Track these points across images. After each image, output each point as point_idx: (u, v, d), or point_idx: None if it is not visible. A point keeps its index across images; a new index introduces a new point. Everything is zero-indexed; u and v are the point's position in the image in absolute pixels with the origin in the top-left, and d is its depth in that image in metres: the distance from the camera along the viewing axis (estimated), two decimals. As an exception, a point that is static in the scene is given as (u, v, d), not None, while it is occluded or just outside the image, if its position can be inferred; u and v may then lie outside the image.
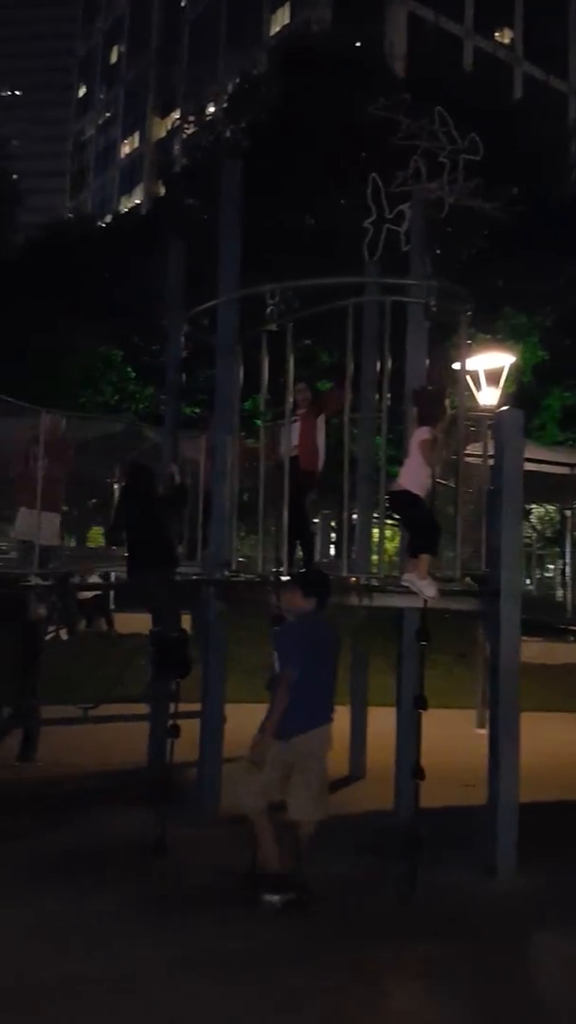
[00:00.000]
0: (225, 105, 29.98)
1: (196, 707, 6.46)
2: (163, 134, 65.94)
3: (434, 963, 4.51)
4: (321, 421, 7.46)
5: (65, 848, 6.04)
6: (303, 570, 6.30)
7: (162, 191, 35.79)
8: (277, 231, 18.95)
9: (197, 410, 18.66)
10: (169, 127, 64.78)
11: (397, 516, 6.68)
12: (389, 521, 11.57)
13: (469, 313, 6.75)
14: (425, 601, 5.77)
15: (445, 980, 4.32)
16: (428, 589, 5.79)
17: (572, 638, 13.83)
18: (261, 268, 9.29)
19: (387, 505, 6.54)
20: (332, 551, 14.55)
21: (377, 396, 7.72)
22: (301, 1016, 3.85)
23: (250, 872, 5.04)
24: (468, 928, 5.03)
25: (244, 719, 4.89)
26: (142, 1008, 3.85)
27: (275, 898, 4.80)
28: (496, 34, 53.40)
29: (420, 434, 5.96)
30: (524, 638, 6.84)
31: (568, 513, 15.96)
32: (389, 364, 6.80)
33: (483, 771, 6.09)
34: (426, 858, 5.37)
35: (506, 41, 53.97)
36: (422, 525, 5.94)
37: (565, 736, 12.21)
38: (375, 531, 8.98)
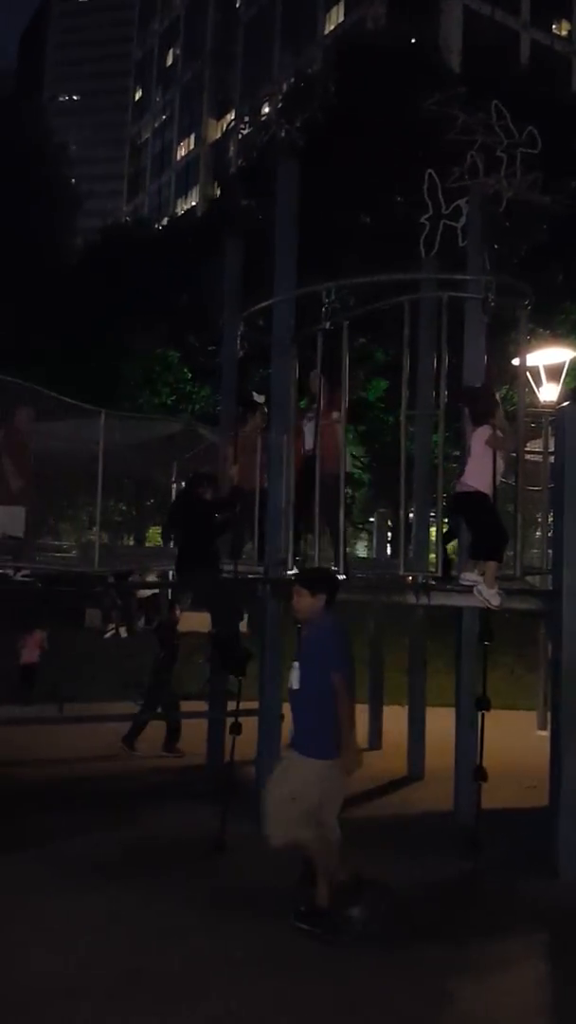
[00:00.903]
0: (280, 105, 30.02)
1: (254, 705, 6.49)
2: (218, 135, 66.31)
3: (497, 964, 4.46)
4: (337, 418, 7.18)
5: (129, 845, 6.13)
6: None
7: (218, 192, 36.00)
8: (334, 230, 18.93)
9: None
10: (224, 128, 65.13)
11: (461, 516, 6.57)
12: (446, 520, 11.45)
13: (528, 308, 6.65)
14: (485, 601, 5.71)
15: (509, 980, 4.28)
16: (493, 598, 5.73)
17: None
18: (317, 267, 9.31)
19: (452, 505, 6.46)
20: (388, 550, 14.48)
21: (434, 394, 7.66)
22: (368, 1014, 3.84)
23: (304, 872, 5.05)
24: (528, 931, 4.97)
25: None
26: (207, 1003, 3.88)
27: (355, 910, 4.54)
28: (553, 26, 52.49)
29: (482, 432, 5.90)
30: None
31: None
32: (446, 361, 6.74)
33: (545, 772, 6.00)
34: (487, 860, 5.31)
35: (563, 33, 52.99)
36: (489, 529, 5.86)
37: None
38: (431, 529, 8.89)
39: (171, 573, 8.85)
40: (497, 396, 6.35)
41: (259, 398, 7.59)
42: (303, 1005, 3.91)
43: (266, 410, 7.55)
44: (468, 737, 6.63)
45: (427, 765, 8.88)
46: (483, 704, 5.50)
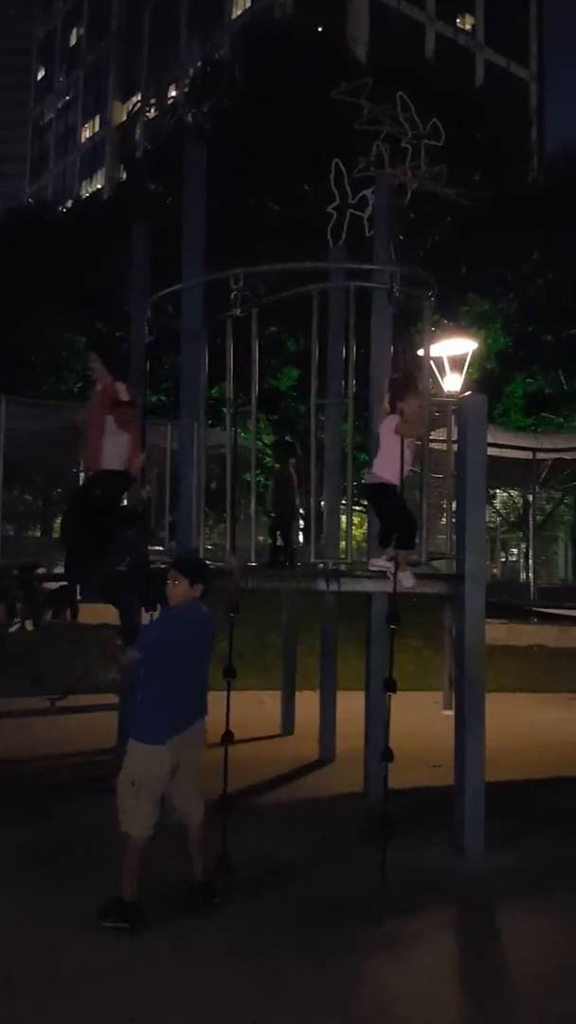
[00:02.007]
0: (187, 89, 29.70)
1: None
2: (124, 118, 65.19)
3: (408, 940, 4.57)
4: None
5: (45, 839, 6.03)
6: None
7: (124, 176, 35.40)
8: (243, 217, 18.87)
9: (163, 398, 18.62)
10: (130, 111, 64.05)
11: (371, 505, 6.67)
12: (357, 507, 11.60)
13: (433, 299, 6.78)
14: (394, 585, 5.82)
15: (420, 955, 4.39)
16: (407, 580, 5.85)
17: (536, 620, 14.03)
18: (228, 254, 9.27)
19: (362, 495, 6.55)
20: (300, 537, 14.60)
21: (343, 383, 7.74)
22: (285, 996, 3.89)
23: (221, 859, 5.07)
24: (438, 906, 5.11)
25: (212, 705, 4.89)
26: (129, 995, 3.86)
27: (123, 924, 4.47)
28: (458, 20, 53.48)
29: (390, 422, 5.99)
30: (489, 620, 6.95)
31: (531, 498, 16.17)
32: (355, 351, 6.81)
33: (451, 752, 6.17)
34: (396, 839, 5.44)
35: (467, 27, 54.07)
36: (399, 517, 5.96)
37: (531, 716, 12.41)
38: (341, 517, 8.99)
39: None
40: (417, 383, 6.43)
41: (95, 360, 6.74)
42: (220, 991, 3.94)
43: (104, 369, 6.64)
44: (377, 720, 6.76)
45: (338, 748, 9.02)
46: (389, 686, 5.61)
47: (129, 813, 4.53)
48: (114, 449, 6.35)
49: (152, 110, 56.72)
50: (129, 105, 64.59)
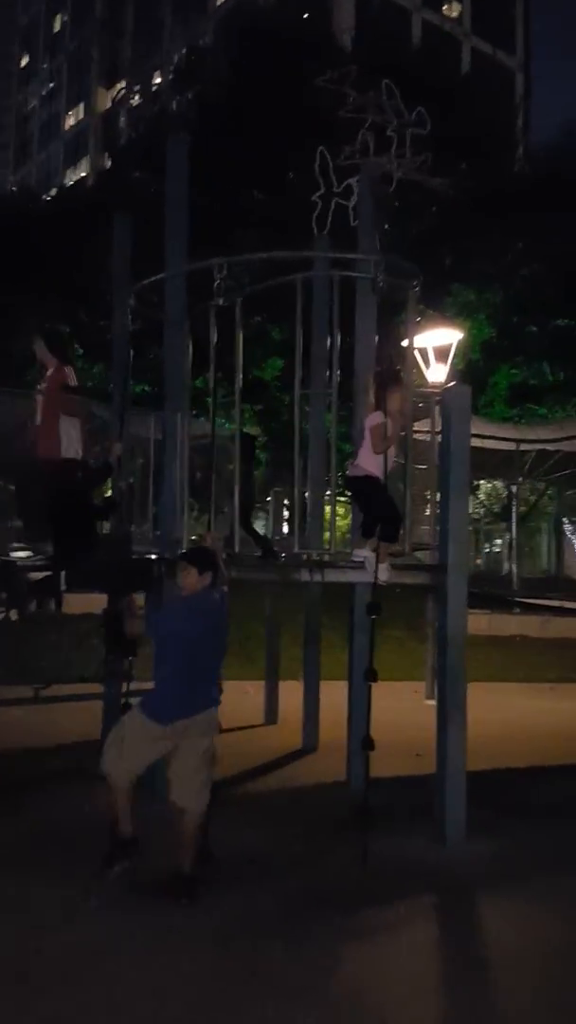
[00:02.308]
0: (171, 76, 29.49)
1: (147, 685, 6.44)
2: (108, 105, 64.65)
3: (386, 928, 4.60)
4: None
5: (26, 830, 6.02)
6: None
7: (108, 164, 35.15)
8: (228, 206, 18.79)
9: (147, 388, 18.54)
10: (114, 98, 63.54)
11: (354, 498, 6.68)
12: (341, 498, 11.61)
13: (417, 289, 6.77)
14: (375, 576, 5.84)
15: (397, 944, 4.42)
16: (383, 573, 5.88)
17: (518, 610, 14.10)
18: (213, 243, 9.22)
19: (346, 487, 6.55)
20: (285, 528, 14.60)
21: (328, 373, 7.72)
22: (265, 984, 3.91)
23: (203, 849, 5.08)
24: (418, 895, 5.14)
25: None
26: (111, 984, 3.87)
27: (115, 868, 4.81)
28: (444, 8, 53.30)
29: (373, 419, 5.98)
30: (472, 611, 6.97)
31: (514, 489, 16.24)
32: (339, 340, 6.80)
33: (433, 741, 6.20)
34: (378, 828, 5.46)
35: (454, 15, 53.90)
36: (382, 510, 5.97)
37: (512, 705, 12.50)
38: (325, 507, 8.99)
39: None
40: (401, 376, 6.42)
41: (38, 343, 6.53)
42: (201, 979, 3.95)
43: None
44: (360, 708, 6.78)
45: (322, 738, 9.05)
46: (371, 676, 5.64)
47: (107, 754, 4.84)
48: (71, 436, 6.34)
49: (136, 97, 56.34)
50: (113, 92, 64.05)
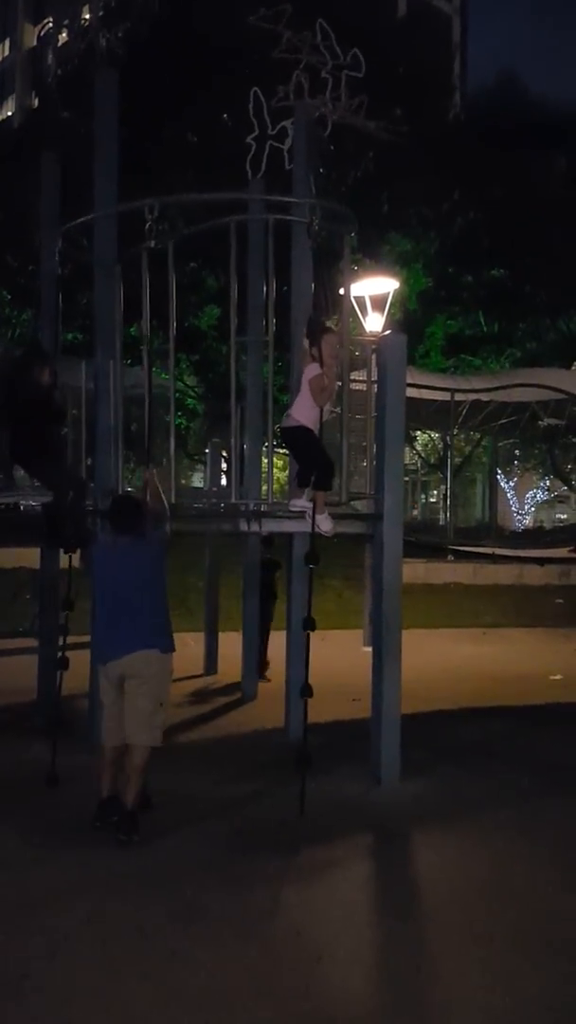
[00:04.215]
0: (100, 12, 28.36)
1: (82, 639, 6.39)
2: (35, 42, 61.95)
3: (325, 868, 4.70)
4: None
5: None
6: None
7: (35, 102, 33.80)
8: (160, 147, 18.27)
9: (78, 336, 18.11)
10: (41, 34, 60.90)
11: (289, 448, 6.64)
12: (279, 450, 11.57)
13: (353, 236, 6.69)
14: (312, 526, 5.84)
15: (336, 882, 4.53)
16: (325, 523, 5.86)
17: (452, 558, 14.35)
18: (145, 188, 8.95)
19: (281, 438, 6.50)
20: (224, 480, 14.52)
21: (264, 321, 7.62)
22: (203, 925, 3.97)
23: (141, 794, 5.11)
24: (354, 835, 5.26)
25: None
26: (48, 929, 3.88)
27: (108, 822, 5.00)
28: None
29: (310, 371, 5.91)
30: (408, 559, 7.06)
31: (449, 439, 16.40)
32: (275, 288, 6.69)
33: (369, 686, 6.31)
34: (315, 771, 5.55)
35: (391, -44, 52.72)
36: (316, 460, 5.94)
37: (446, 650, 12.80)
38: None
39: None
40: (328, 325, 6.35)
41: None
42: (134, 920, 3.99)
43: None
44: (297, 657, 6.84)
45: (260, 687, 9.15)
46: (309, 624, 5.68)
47: (100, 728, 5.14)
48: None
49: (64, 34, 53.98)
50: (40, 28, 61.32)
